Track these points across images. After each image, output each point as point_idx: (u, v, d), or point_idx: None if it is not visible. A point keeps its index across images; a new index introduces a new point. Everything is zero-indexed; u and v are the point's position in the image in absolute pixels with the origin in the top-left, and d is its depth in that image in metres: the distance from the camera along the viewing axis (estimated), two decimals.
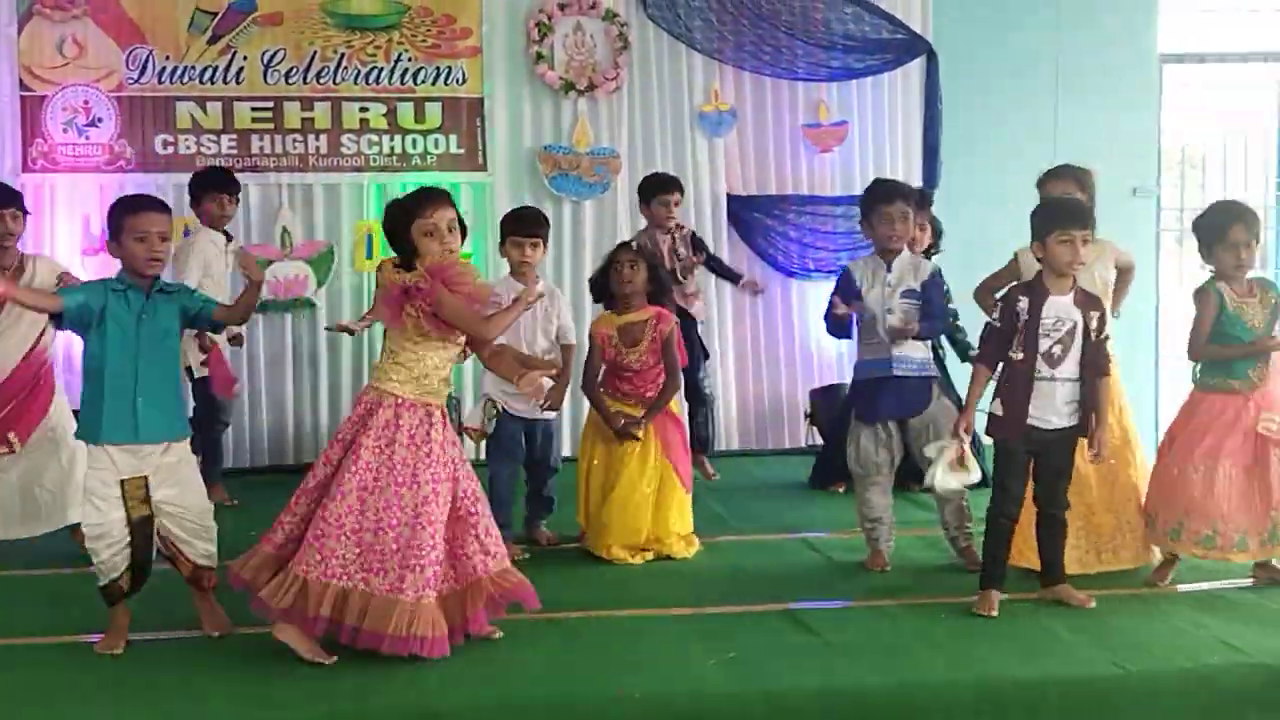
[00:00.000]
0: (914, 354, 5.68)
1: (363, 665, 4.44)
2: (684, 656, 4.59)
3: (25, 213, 6.11)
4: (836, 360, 8.82)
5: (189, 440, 4.86)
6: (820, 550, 6.11)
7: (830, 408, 7.94)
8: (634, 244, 6.37)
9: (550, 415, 6.18)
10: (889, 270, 5.69)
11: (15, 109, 8.12)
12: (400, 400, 4.60)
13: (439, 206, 4.64)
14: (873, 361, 5.71)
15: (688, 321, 7.30)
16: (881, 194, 5.76)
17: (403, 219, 4.65)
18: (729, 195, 8.85)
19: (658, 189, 7.55)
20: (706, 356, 7.98)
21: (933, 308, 5.70)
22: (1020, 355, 5.03)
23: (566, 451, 7.43)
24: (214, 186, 7.15)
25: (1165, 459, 5.53)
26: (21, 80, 8.12)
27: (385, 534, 4.48)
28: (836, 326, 5.81)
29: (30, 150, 8.14)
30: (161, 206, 4.80)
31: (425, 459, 4.57)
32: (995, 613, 5.04)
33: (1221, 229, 5.38)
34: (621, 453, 5.98)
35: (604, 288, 6.17)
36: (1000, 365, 5.12)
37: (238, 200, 7.35)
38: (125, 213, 4.70)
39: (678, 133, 8.85)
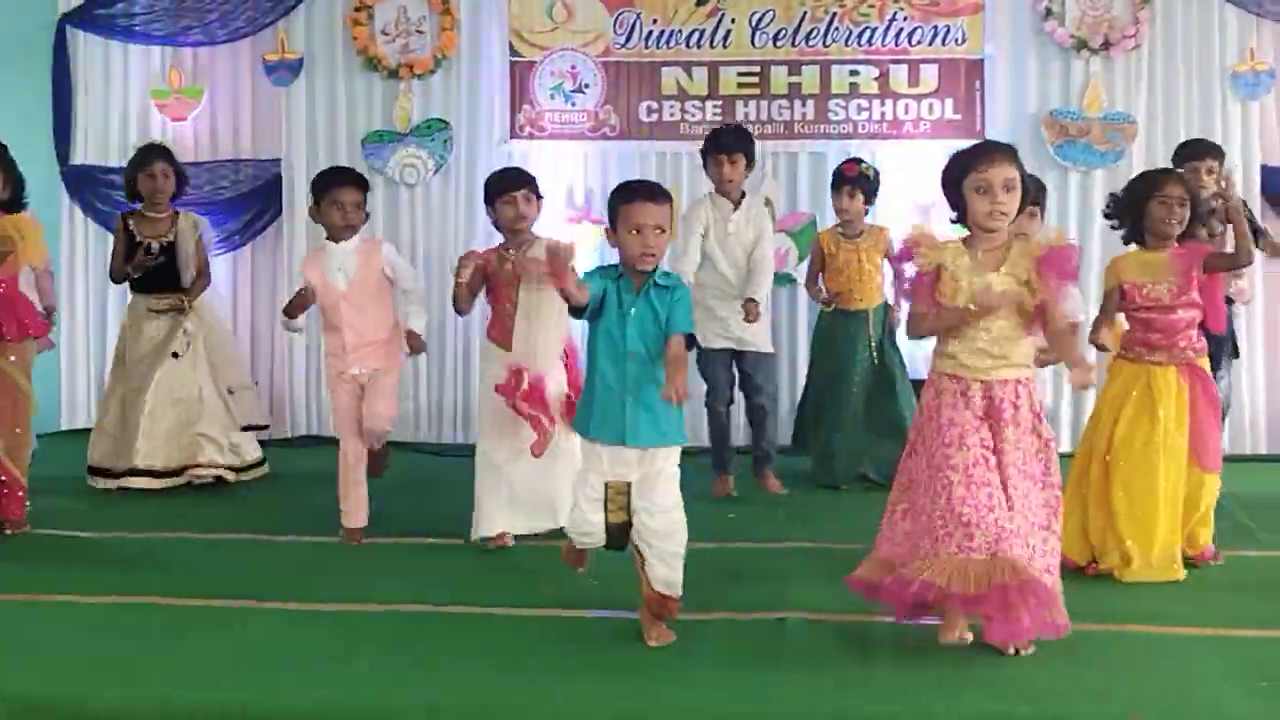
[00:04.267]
0: None
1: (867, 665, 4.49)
2: (1203, 681, 4.29)
3: (539, 196, 6.22)
4: None
5: (679, 451, 4.81)
6: None
7: None
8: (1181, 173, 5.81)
9: None
10: None
11: (505, 74, 8.58)
12: (943, 373, 4.67)
13: (996, 162, 4.51)
14: None
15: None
16: None
17: (955, 171, 4.58)
18: (1264, 166, 8.29)
19: (1189, 157, 7.05)
20: (1236, 355, 7.45)
21: None
22: None
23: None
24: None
25: None
26: (511, 45, 8.57)
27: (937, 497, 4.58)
28: None
29: (518, 117, 8.59)
30: (661, 196, 4.69)
31: (971, 422, 4.57)
32: None
33: None
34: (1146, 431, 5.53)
35: (1131, 220, 5.66)
36: None
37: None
38: (620, 201, 4.71)
39: (1205, 95, 8.34)
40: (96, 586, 5.43)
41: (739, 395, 7.32)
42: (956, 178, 4.54)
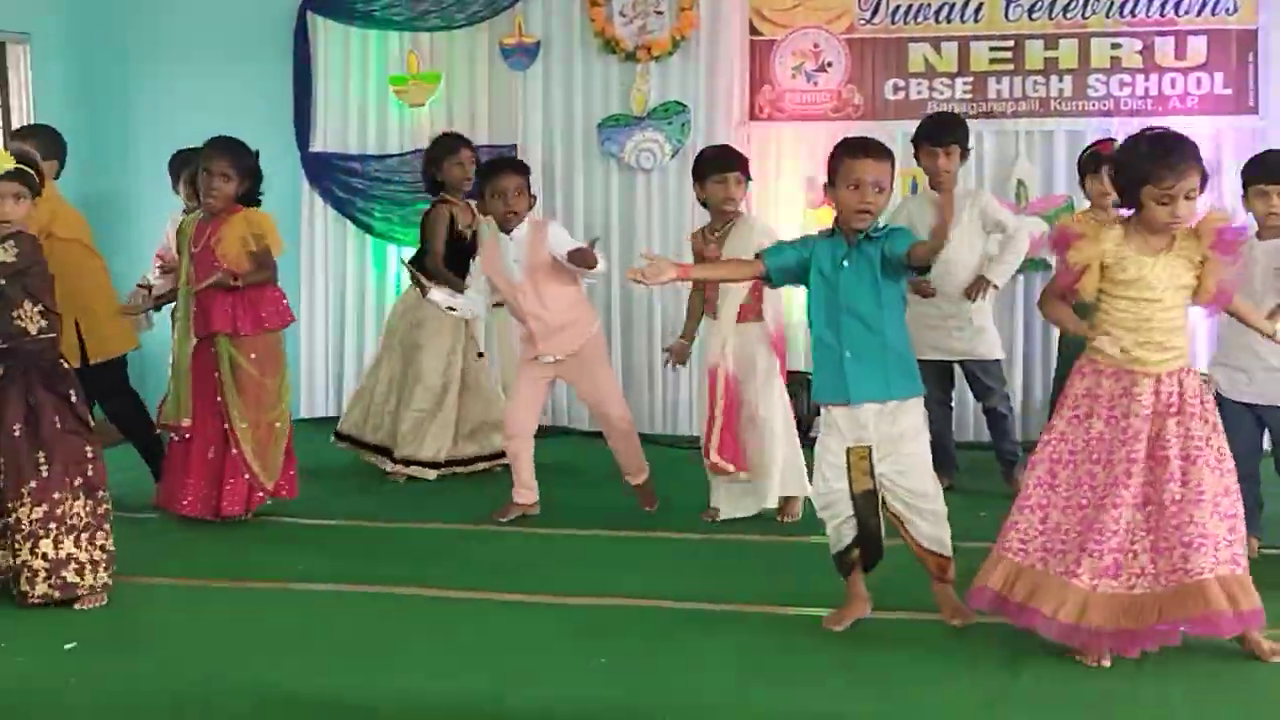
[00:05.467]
0: None
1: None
2: None
3: (749, 179, 6.42)
4: None
5: (921, 401, 4.84)
6: None
7: None
8: None
9: None
10: None
11: (744, 55, 8.43)
12: (1101, 366, 4.45)
13: (1183, 175, 4.27)
14: None
15: None
16: None
17: (1135, 172, 4.35)
18: None
19: None
20: None
21: None
22: None
23: None
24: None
25: None
26: (751, 24, 8.43)
27: (1071, 513, 4.37)
28: None
29: (757, 98, 8.45)
30: (882, 153, 4.73)
31: (1122, 434, 4.38)
32: None
33: None
34: None
35: None
36: None
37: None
38: (841, 156, 4.72)
39: None
40: (335, 575, 5.56)
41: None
42: (1136, 180, 4.32)
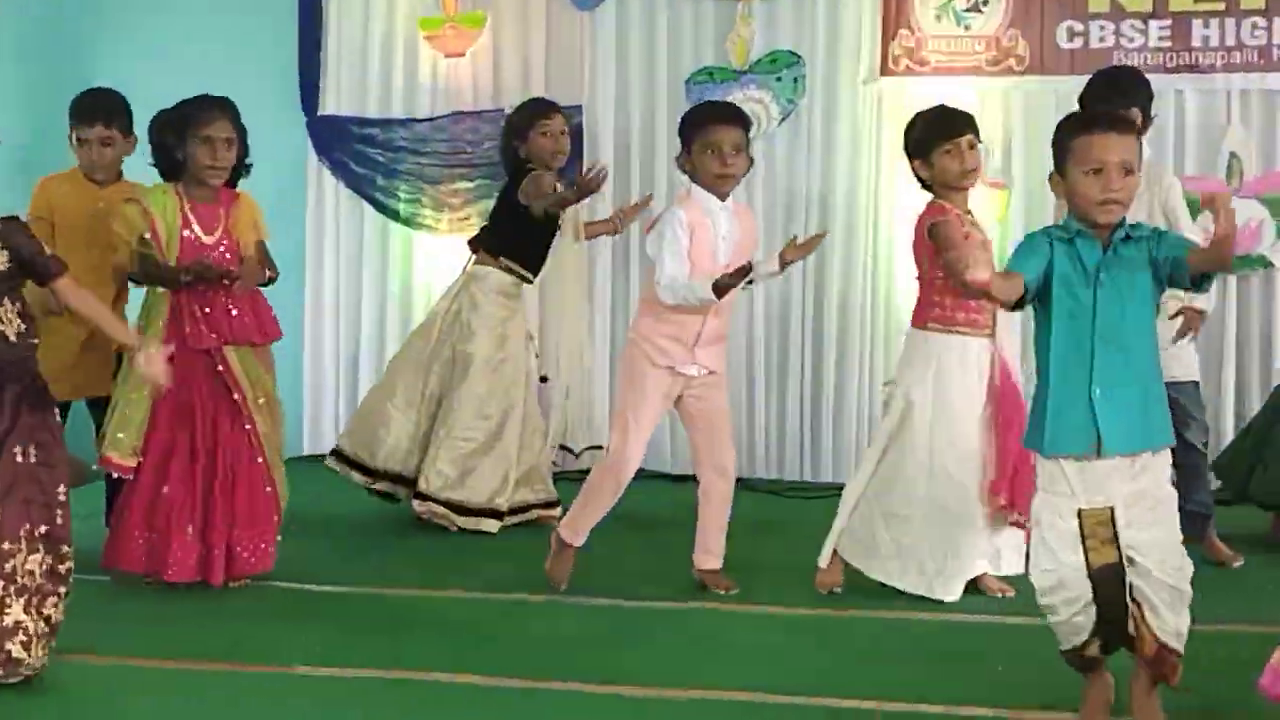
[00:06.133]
0: None
1: None
2: None
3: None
4: None
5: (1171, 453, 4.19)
6: None
7: None
8: None
9: None
10: None
11: None
12: None
13: None
14: None
15: None
16: None
17: None
18: None
19: None
20: None
21: None
22: None
23: None
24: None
25: None
26: None
27: None
28: None
29: (891, 46, 7.41)
30: (1125, 125, 4.16)
31: None
32: None
33: None
34: None
35: None
36: None
37: None
38: (1073, 132, 4.11)
39: None
40: (350, 657, 4.88)
41: None
42: None
